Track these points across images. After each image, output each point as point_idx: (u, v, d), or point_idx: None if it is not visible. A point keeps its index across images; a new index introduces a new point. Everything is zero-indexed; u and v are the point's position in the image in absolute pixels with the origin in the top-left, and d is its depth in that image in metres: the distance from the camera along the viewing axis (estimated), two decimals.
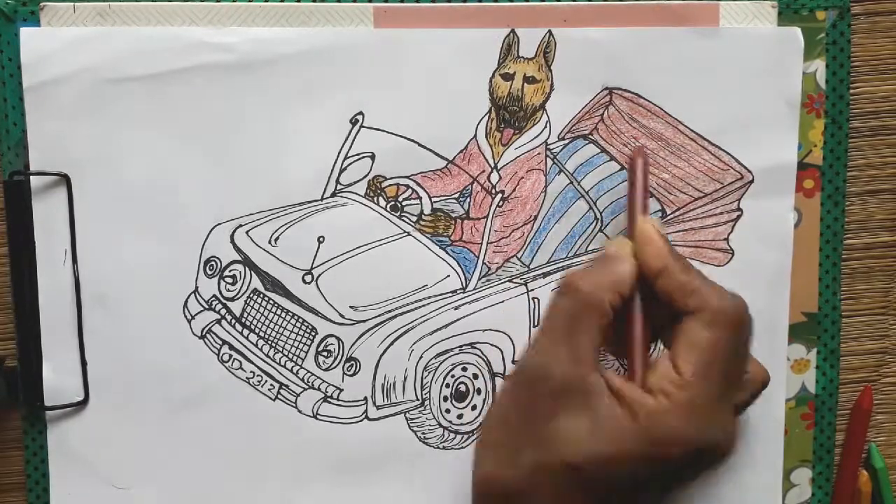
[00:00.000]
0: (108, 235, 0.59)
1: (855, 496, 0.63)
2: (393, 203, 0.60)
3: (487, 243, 0.60)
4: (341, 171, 0.59)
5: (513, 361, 0.60)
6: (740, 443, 0.54)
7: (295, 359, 0.59)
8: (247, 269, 0.59)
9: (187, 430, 0.60)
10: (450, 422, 0.60)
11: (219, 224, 0.59)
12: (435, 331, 0.59)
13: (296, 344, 0.59)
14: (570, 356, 0.50)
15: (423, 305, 0.59)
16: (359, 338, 0.59)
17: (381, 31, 0.58)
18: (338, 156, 0.59)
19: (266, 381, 0.60)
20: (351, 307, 0.59)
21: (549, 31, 0.58)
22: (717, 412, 0.49)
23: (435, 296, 0.59)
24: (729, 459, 0.51)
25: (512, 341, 0.60)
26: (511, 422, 0.51)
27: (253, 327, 0.60)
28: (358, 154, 0.59)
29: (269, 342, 0.60)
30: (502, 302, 0.60)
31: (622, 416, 0.48)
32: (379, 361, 0.59)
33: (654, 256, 0.52)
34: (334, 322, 0.59)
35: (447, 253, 0.60)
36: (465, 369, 0.60)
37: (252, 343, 0.59)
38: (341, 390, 0.59)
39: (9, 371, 0.59)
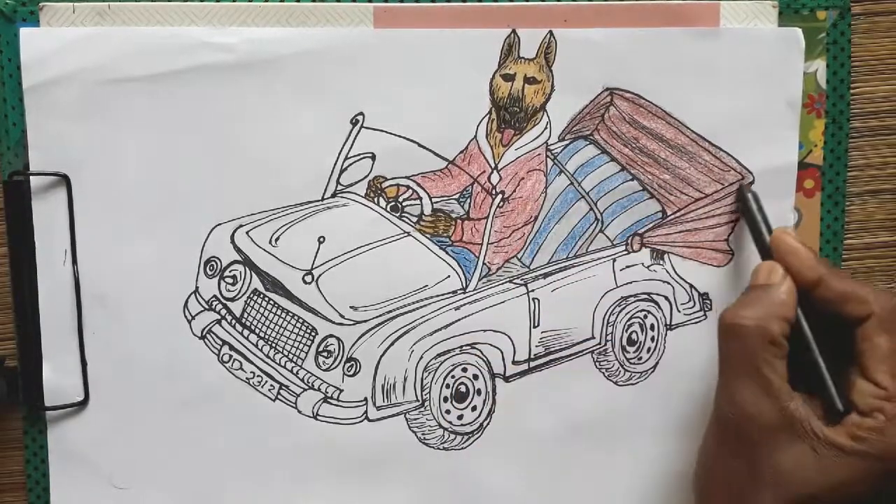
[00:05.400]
0: (108, 235, 0.58)
1: None
2: (393, 203, 0.60)
3: (488, 244, 0.60)
4: (342, 171, 0.59)
5: (513, 362, 0.60)
6: None
7: (295, 359, 0.59)
8: (247, 269, 0.59)
9: (187, 430, 0.60)
10: (450, 422, 0.60)
11: (219, 224, 0.59)
12: (435, 331, 0.59)
13: (296, 344, 0.59)
14: (764, 393, 0.50)
15: (424, 306, 0.59)
16: (359, 338, 0.59)
17: (381, 31, 0.58)
18: (338, 156, 0.59)
19: (266, 382, 0.60)
20: (351, 307, 0.59)
21: (550, 32, 0.58)
22: None
23: (435, 296, 0.59)
24: None
25: (512, 342, 0.60)
26: (729, 475, 0.51)
27: (253, 328, 0.60)
28: (358, 154, 0.59)
29: (270, 342, 0.60)
30: (503, 302, 0.60)
31: (845, 441, 0.49)
32: (379, 362, 0.59)
33: (807, 268, 0.52)
34: (334, 322, 0.59)
35: (447, 253, 0.60)
36: (465, 370, 0.60)
37: (252, 343, 0.59)
38: (341, 391, 0.59)
39: (9, 371, 0.59)
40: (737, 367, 0.51)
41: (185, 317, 0.59)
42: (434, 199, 0.59)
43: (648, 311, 0.61)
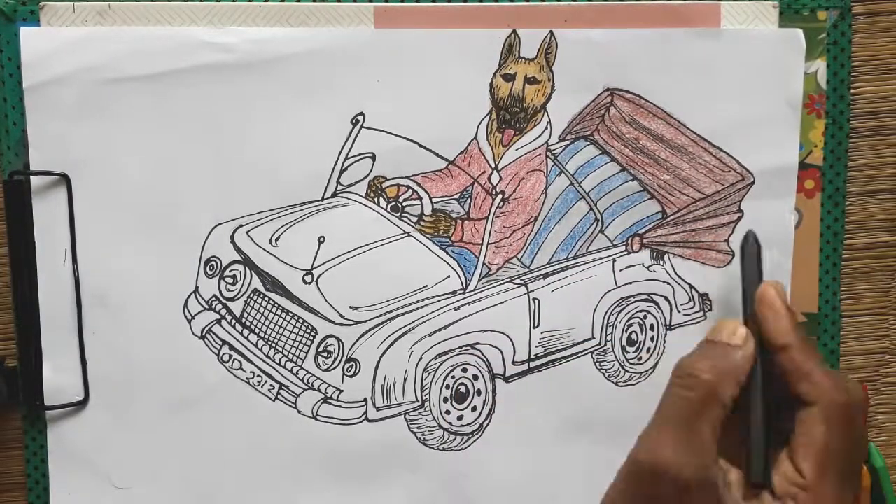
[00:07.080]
0: (108, 235, 0.58)
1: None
2: (393, 203, 0.60)
3: (488, 244, 0.60)
4: (342, 171, 0.59)
5: (513, 362, 0.60)
6: None
7: (295, 359, 0.59)
8: (247, 269, 0.59)
9: (187, 430, 0.60)
10: (450, 423, 0.60)
11: (219, 224, 0.59)
12: (435, 332, 0.59)
13: (296, 344, 0.59)
14: (695, 450, 0.48)
15: (424, 306, 0.59)
16: (359, 338, 0.59)
17: (381, 31, 0.58)
18: (338, 156, 0.59)
19: (266, 382, 0.60)
20: (351, 307, 0.59)
21: (551, 32, 0.58)
22: None
23: (435, 296, 0.59)
24: None
25: (512, 342, 0.60)
26: None
27: (253, 327, 0.59)
28: (358, 154, 0.59)
29: (269, 342, 0.59)
30: (503, 303, 0.60)
31: None
32: (379, 362, 0.59)
33: (782, 331, 0.50)
34: (334, 322, 0.59)
35: (447, 253, 0.60)
36: (465, 370, 0.60)
37: (252, 343, 0.59)
38: (341, 391, 0.59)
39: (9, 371, 0.59)
40: (676, 414, 0.49)
41: (185, 317, 0.59)
42: (434, 199, 0.59)
43: (648, 312, 0.61)
